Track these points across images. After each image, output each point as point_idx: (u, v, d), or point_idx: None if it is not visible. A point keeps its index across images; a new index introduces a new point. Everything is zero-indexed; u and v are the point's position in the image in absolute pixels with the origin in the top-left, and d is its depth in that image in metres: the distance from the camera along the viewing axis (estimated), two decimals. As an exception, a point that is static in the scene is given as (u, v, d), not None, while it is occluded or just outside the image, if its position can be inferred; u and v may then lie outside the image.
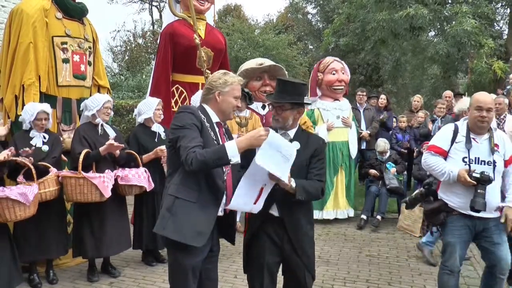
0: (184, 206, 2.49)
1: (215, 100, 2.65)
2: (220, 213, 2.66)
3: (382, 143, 6.70)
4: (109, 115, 4.37)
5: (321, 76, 6.71)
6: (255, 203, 2.62)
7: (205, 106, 2.69)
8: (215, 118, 2.69)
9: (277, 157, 2.49)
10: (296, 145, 2.73)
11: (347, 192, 6.64)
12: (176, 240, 2.47)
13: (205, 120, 2.61)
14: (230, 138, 2.82)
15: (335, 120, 6.61)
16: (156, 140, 4.59)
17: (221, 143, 2.59)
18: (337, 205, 6.53)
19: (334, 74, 6.67)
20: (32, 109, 4.01)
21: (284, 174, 2.54)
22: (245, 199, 2.58)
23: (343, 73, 6.73)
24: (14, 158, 3.64)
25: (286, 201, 2.73)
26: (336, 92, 6.74)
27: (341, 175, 6.58)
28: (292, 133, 2.87)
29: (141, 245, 4.61)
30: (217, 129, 2.68)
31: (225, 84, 2.64)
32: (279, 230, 2.81)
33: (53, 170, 3.95)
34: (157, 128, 4.65)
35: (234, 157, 2.39)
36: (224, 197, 2.63)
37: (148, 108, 4.56)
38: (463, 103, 5.41)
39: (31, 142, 4.00)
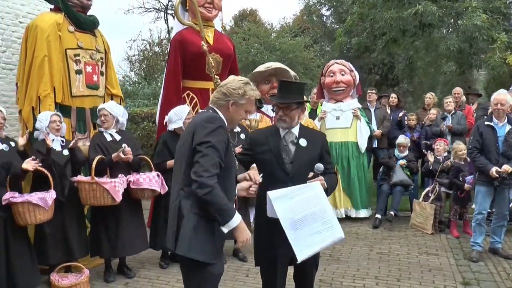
0: (208, 226, 2.36)
1: (227, 108, 2.51)
2: None
3: (403, 138, 6.74)
4: (106, 122, 4.47)
5: (323, 79, 6.94)
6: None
7: (218, 111, 2.52)
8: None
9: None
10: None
11: (355, 191, 6.61)
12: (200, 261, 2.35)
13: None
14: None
15: (334, 121, 6.72)
16: None
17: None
18: (334, 204, 6.52)
19: (332, 76, 6.83)
20: (45, 115, 4.26)
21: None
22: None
23: (342, 75, 6.79)
24: (39, 168, 3.86)
25: None
26: (336, 94, 6.86)
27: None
28: (296, 130, 2.95)
29: (156, 245, 4.76)
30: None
31: (243, 96, 2.49)
32: None
33: None
34: None
35: (227, 227, 2.31)
36: None
37: (178, 117, 4.65)
38: None
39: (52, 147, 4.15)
